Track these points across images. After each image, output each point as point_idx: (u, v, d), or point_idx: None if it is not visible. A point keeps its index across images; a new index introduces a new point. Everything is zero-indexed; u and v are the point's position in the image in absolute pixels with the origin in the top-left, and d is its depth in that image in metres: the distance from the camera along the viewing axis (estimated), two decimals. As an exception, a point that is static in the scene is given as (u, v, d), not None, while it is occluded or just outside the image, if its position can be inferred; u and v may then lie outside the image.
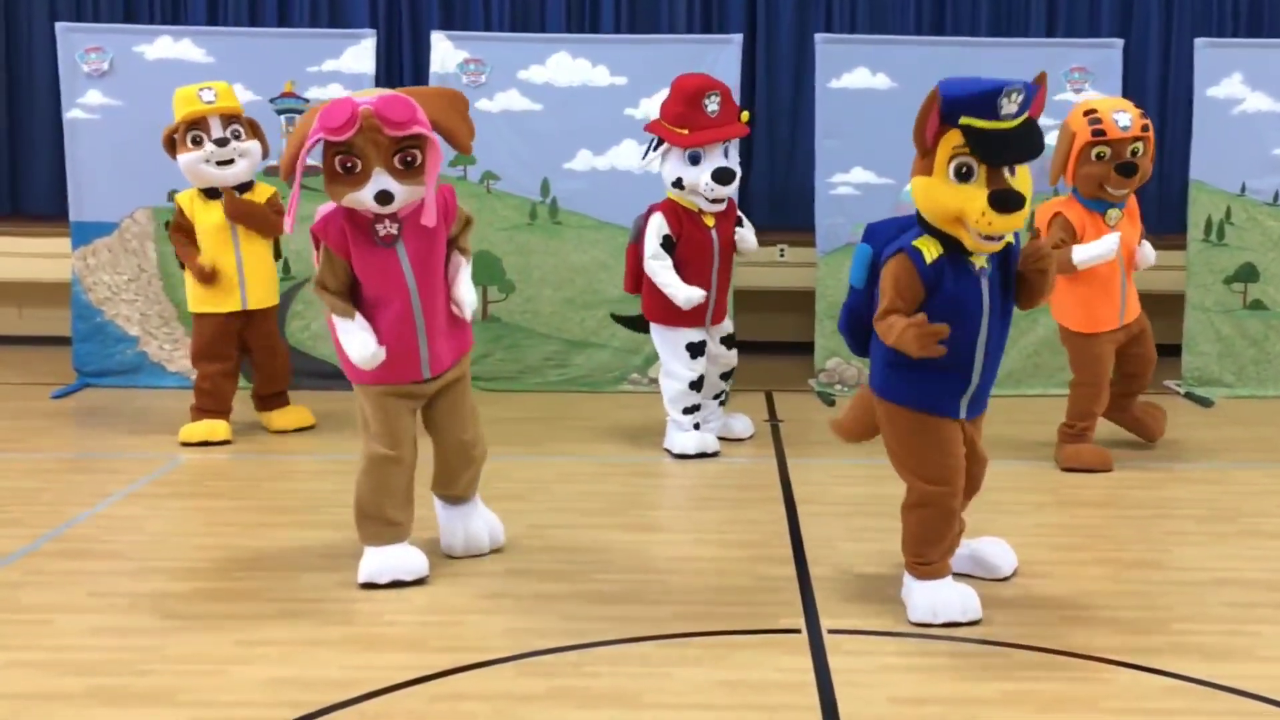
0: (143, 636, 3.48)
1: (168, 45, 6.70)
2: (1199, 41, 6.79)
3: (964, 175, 3.34)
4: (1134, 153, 5.06)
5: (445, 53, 6.73)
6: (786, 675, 3.26)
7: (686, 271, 5.31)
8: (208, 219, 5.59)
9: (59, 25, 6.81)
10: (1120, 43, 6.83)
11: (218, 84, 5.59)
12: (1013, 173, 3.38)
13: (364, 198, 3.65)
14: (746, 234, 5.48)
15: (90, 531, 4.39)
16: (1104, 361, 5.27)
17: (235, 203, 5.55)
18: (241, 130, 5.56)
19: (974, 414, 3.66)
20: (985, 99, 3.27)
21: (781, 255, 7.60)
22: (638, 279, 5.51)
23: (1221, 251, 6.77)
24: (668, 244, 5.29)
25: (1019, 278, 3.58)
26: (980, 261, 3.48)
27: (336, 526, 4.28)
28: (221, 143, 5.48)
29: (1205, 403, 6.58)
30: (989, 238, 3.39)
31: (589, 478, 5.22)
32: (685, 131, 5.19)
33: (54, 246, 7.26)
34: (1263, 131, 6.67)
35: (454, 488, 4.13)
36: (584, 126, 6.61)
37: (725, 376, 5.69)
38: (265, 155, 5.76)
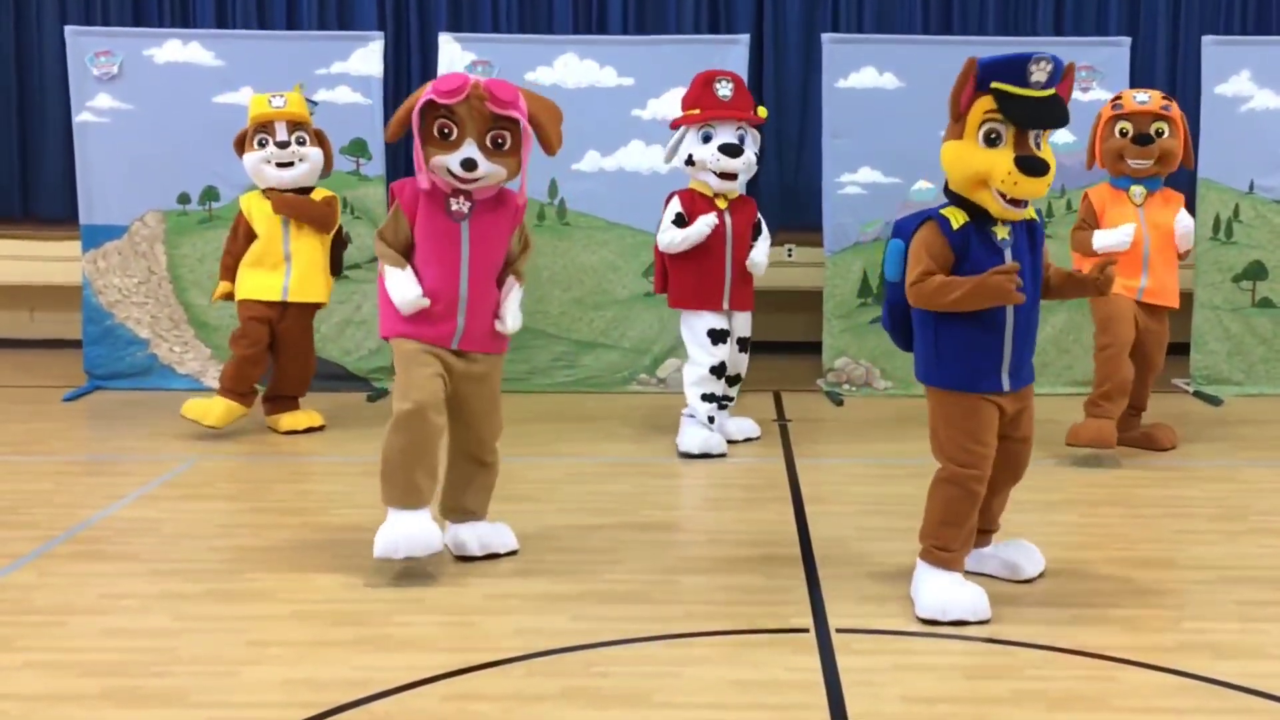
0: (156, 638, 3.49)
1: (177, 48, 6.73)
2: (1207, 39, 6.79)
3: (992, 141, 3.47)
4: (1158, 132, 5.26)
5: (453, 54, 6.74)
6: (796, 675, 3.26)
7: (699, 256, 5.42)
8: (264, 211, 5.79)
9: (68, 29, 6.84)
10: (1128, 41, 6.84)
11: (290, 93, 5.82)
12: (1038, 146, 3.50)
13: (450, 162, 3.84)
14: (758, 255, 5.56)
15: (103, 533, 4.40)
16: (1123, 322, 5.29)
17: (282, 199, 5.75)
18: (306, 137, 5.79)
19: (1019, 384, 3.67)
20: (1016, 66, 3.45)
21: (790, 255, 7.61)
22: (660, 276, 5.63)
23: (1230, 249, 6.76)
24: (679, 221, 5.45)
25: (1066, 280, 3.75)
26: (1003, 233, 3.56)
27: (348, 528, 4.29)
28: (283, 145, 5.71)
29: (1214, 401, 6.57)
30: (1013, 203, 3.50)
31: (598, 478, 5.23)
32: (697, 111, 5.40)
33: (64, 250, 7.30)
34: (1271, 129, 6.68)
35: (461, 499, 4.12)
36: (592, 127, 6.61)
37: (732, 382, 5.70)
38: (329, 164, 5.93)
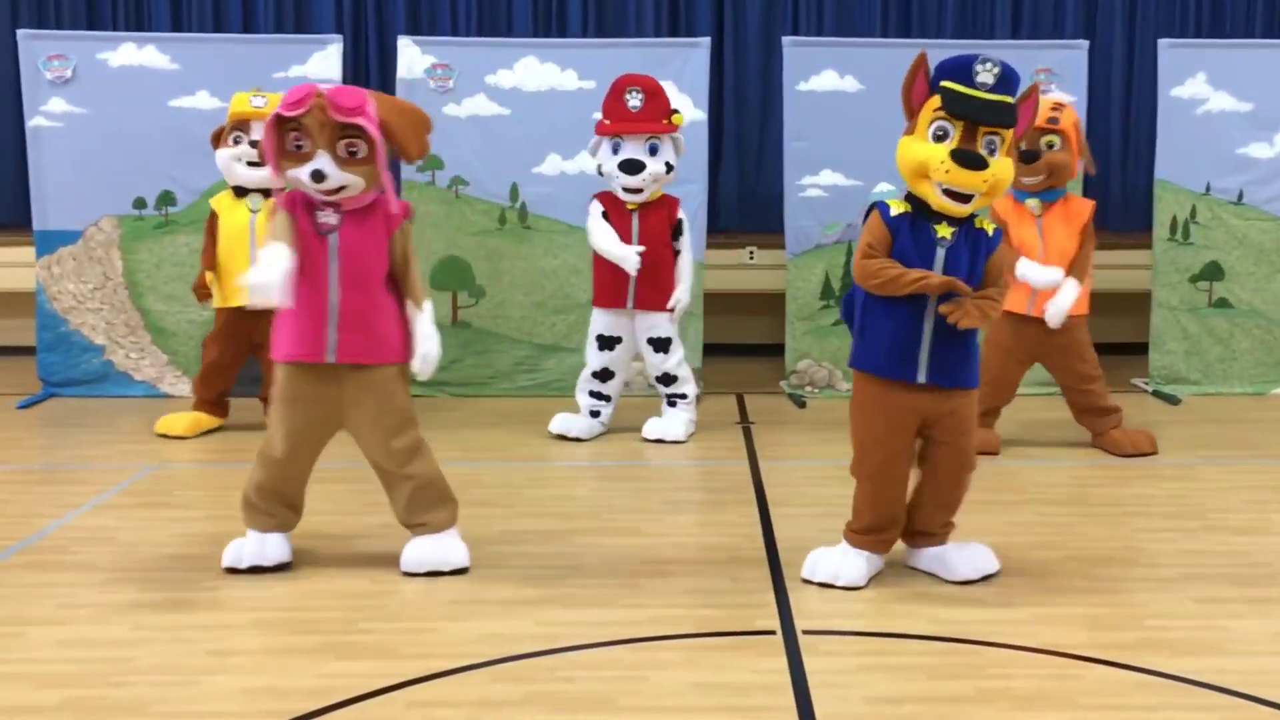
0: (114, 648, 3.45)
1: (131, 52, 6.65)
2: (1163, 42, 6.85)
3: (940, 138, 3.61)
4: (1049, 145, 5.24)
5: (412, 58, 6.71)
6: (762, 677, 3.26)
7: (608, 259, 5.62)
8: (231, 217, 5.77)
9: (20, 32, 6.74)
10: (1085, 44, 6.88)
11: (272, 95, 5.78)
12: (992, 154, 3.60)
13: (301, 174, 3.79)
14: (681, 289, 5.69)
15: (59, 543, 4.35)
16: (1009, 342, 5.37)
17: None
18: None
19: (939, 381, 3.74)
20: (963, 66, 3.60)
21: (751, 258, 7.62)
22: None
23: (1187, 250, 6.83)
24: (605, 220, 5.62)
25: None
26: (944, 231, 3.65)
27: (308, 535, 4.25)
28: (256, 144, 5.67)
29: (1172, 400, 6.63)
30: (951, 196, 3.60)
31: (561, 482, 5.22)
32: (608, 122, 5.54)
33: (18, 255, 7.20)
34: (1226, 131, 6.74)
35: (394, 508, 4.06)
36: (553, 131, 6.60)
37: (663, 380, 5.79)
38: None
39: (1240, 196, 6.78)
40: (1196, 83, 6.72)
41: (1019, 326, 5.33)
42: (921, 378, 3.72)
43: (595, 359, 5.76)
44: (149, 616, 3.68)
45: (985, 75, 3.57)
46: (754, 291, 7.50)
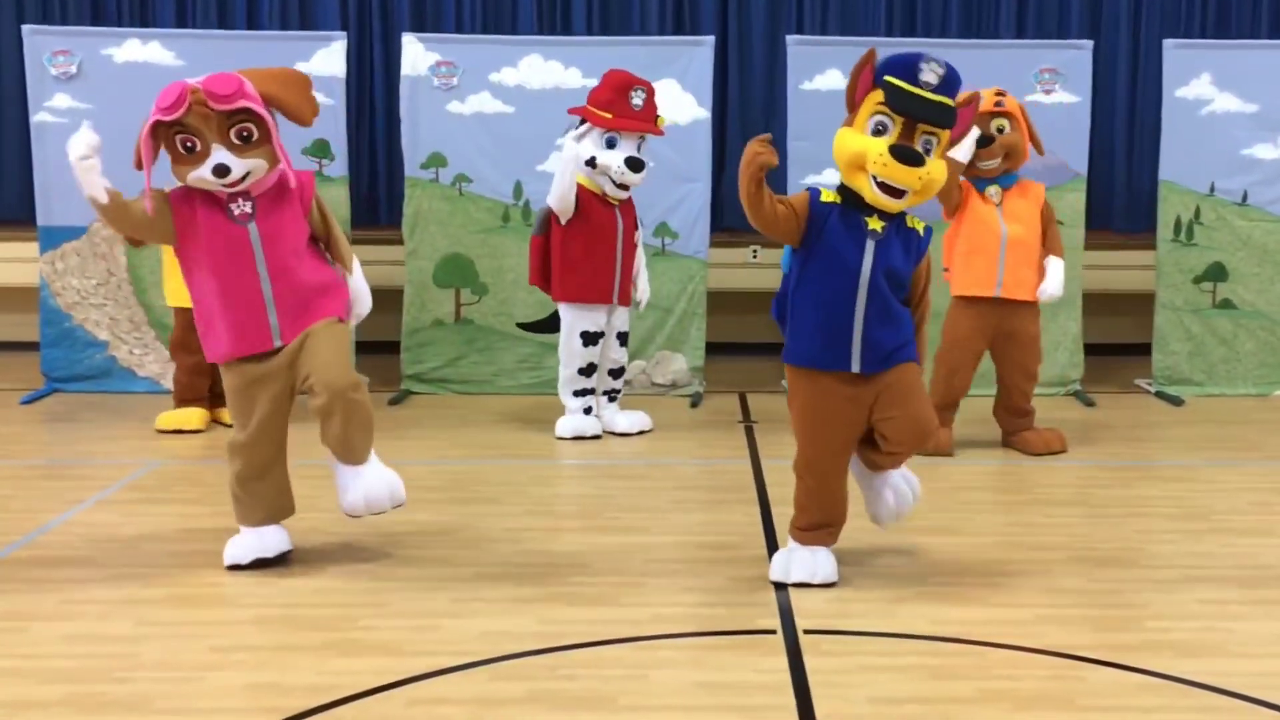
0: (117, 643, 3.45)
1: (136, 48, 6.65)
2: (1168, 42, 6.84)
3: (879, 131, 3.63)
4: (999, 129, 5.32)
5: (416, 55, 6.71)
6: (763, 676, 3.26)
7: (591, 250, 5.61)
8: None
9: (25, 28, 6.74)
10: (1090, 44, 6.87)
11: None
12: (928, 153, 3.63)
13: (203, 173, 3.76)
14: (643, 283, 5.88)
15: (62, 538, 4.35)
16: (963, 347, 5.39)
17: None
18: None
19: (877, 368, 3.75)
20: (909, 64, 3.62)
21: (754, 256, 7.62)
22: (542, 271, 5.75)
23: (1191, 251, 6.82)
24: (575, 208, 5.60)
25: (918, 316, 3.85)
26: (875, 224, 3.68)
27: (310, 531, 4.25)
28: None
29: (1176, 401, 6.63)
30: (886, 190, 3.62)
31: (564, 480, 5.22)
32: (609, 116, 5.52)
33: (22, 251, 7.20)
34: (1231, 131, 6.73)
35: (325, 438, 3.96)
36: (557, 129, 6.58)
37: (615, 374, 5.86)
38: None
39: (1245, 197, 6.78)
40: (1201, 83, 6.71)
41: (981, 310, 5.36)
42: (855, 367, 3.73)
43: (581, 356, 5.73)
44: (152, 612, 3.68)
45: (929, 75, 3.59)
46: (757, 290, 7.48)
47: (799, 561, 3.88)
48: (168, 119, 3.72)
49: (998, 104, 5.34)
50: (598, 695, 3.15)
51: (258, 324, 3.88)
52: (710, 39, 6.83)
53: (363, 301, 4.10)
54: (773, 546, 4.25)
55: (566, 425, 5.75)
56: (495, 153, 6.71)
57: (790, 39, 6.84)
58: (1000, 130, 5.33)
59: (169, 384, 6.63)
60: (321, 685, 3.18)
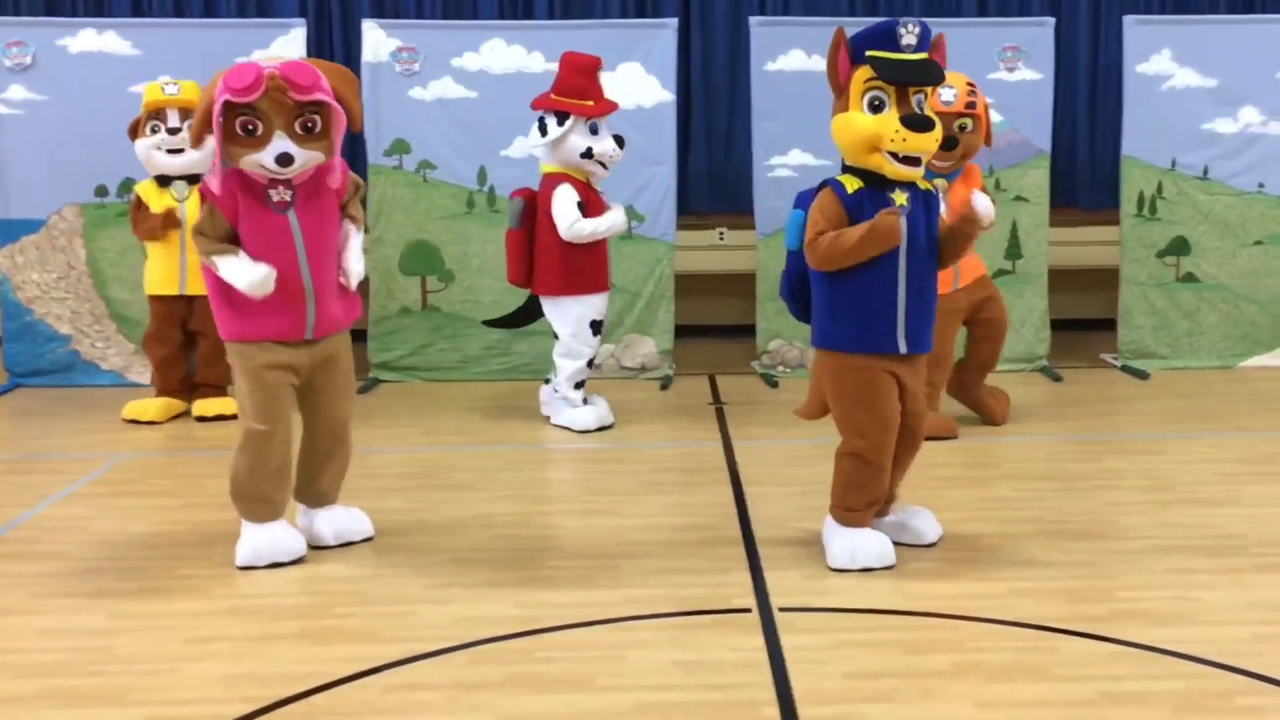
0: (91, 637, 3.42)
1: (92, 38, 6.58)
2: (1128, 19, 6.88)
3: (876, 107, 3.62)
4: (962, 128, 5.26)
5: (377, 41, 6.66)
6: (740, 654, 3.27)
7: (595, 241, 5.51)
8: (157, 207, 5.86)
9: (-21, 19, 6.67)
10: (1051, 21, 6.91)
11: (184, 81, 5.88)
12: (921, 108, 3.63)
13: (264, 159, 3.71)
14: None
15: (31, 533, 4.31)
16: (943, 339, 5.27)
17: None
18: None
19: (916, 349, 3.77)
20: (887, 32, 3.61)
21: (721, 238, 7.63)
22: (523, 267, 5.59)
23: (1154, 226, 6.87)
24: (580, 210, 5.43)
25: (946, 233, 3.81)
26: (901, 199, 3.67)
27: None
28: (174, 132, 5.82)
29: (1142, 375, 6.69)
30: (906, 162, 3.61)
31: (535, 465, 5.22)
32: (591, 103, 5.40)
33: (-19, 245, 7.10)
34: (1192, 107, 6.78)
35: (318, 481, 4.06)
36: (520, 113, 6.52)
37: (592, 363, 5.78)
38: None
39: (1206, 171, 6.83)
40: (1162, 59, 6.76)
41: (944, 305, 5.32)
42: (903, 348, 3.73)
43: (592, 345, 5.63)
44: (126, 605, 3.65)
45: (909, 37, 3.60)
46: (725, 272, 7.51)
47: (864, 547, 3.80)
48: (241, 101, 3.65)
49: (969, 105, 5.26)
50: (576, 677, 3.15)
51: (296, 313, 3.84)
52: (673, 21, 6.81)
53: (359, 263, 3.97)
54: (746, 526, 4.27)
55: (586, 417, 5.58)
56: (459, 139, 6.68)
57: (753, 20, 6.84)
58: (963, 129, 5.26)
59: (134, 377, 6.61)
60: (298, 674, 3.17)
